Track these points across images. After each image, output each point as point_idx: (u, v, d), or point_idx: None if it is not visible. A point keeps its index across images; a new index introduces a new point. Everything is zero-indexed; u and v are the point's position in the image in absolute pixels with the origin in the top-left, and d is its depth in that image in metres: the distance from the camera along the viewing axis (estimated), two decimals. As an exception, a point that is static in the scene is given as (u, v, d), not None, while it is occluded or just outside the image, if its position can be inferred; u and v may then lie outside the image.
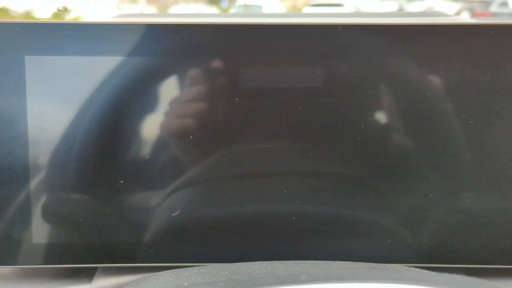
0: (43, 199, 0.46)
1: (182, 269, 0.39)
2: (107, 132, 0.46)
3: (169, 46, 0.45)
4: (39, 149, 0.46)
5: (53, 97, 0.45)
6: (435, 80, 0.45)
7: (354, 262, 0.40)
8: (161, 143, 0.46)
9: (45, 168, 0.46)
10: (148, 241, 0.47)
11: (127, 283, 0.44)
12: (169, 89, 0.46)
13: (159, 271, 0.42)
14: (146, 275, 0.40)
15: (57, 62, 0.45)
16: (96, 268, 0.48)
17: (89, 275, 0.47)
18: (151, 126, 0.46)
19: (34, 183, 0.46)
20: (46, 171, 0.46)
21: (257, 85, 0.46)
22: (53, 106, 0.46)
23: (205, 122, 0.46)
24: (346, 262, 0.40)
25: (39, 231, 0.47)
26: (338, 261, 0.39)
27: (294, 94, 0.46)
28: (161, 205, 0.47)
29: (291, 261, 0.38)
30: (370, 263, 0.40)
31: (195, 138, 0.46)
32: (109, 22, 0.45)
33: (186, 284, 0.33)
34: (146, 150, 0.46)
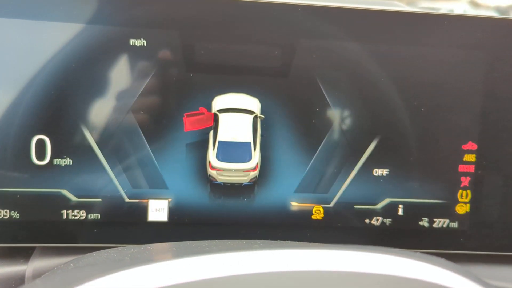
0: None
1: (128, 246, 0.37)
2: (51, 99, 0.43)
3: (125, 16, 0.43)
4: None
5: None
6: (389, 65, 0.46)
7: (307, 243, 0.39)
8: (108, 118, 0.44)
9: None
10: (92, 221, 0.45)
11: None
12: (120, 63, 0.44)
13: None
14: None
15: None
16: (33, 248, 0.45)
17: (25, 256, 0.44)
18: (100, 99, 0.44)
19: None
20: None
21: (213, 61, 0.45)
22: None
23: (157, 101, 0.45)
24: (298, 242, 0.39)
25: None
26: (289, 241, 0.38)
27: (250, 73, 0.45)
28: (107, 184, 0.45)
29: (242, 240, 0.37)
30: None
31: (146, 115, 0.44)
32: None
33: (129, 259, 0.31)
34: (91, 121, 0.44)
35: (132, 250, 0.35)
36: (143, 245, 0.38)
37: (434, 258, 0.28)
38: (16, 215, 0.44)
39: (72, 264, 0.34)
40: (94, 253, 0.36)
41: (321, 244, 0.36)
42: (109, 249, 0.37)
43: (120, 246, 0.40)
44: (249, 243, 0.37)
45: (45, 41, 0.42)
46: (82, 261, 0.34)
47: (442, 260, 0.29)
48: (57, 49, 0.43)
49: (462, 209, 0.48)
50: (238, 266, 0.23)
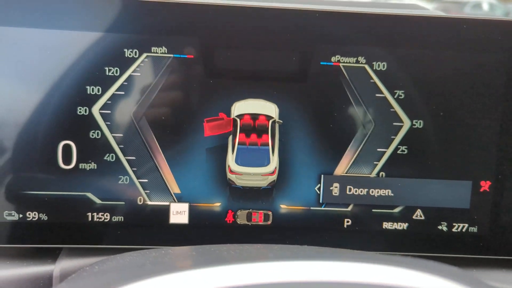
0: (7, 177, 0.45)
1: (150, 249, 0.38)
2: (71, 111, 0.45)
3: (144, 24, 0.44)
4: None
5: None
6: (409, 70, 0.46)
7: (322, 247, 0.40)
8: (130, 124, 0.45)
9: (9, 146, 0.44)
10: (115, 223, 0.46)
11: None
12: (142, 70, 0.45)
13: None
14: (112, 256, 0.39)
15: None
16: (60, 249, 0.47)
17: (53, 256, 0.46)
18: (124, 111, 0.45)
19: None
20: (10, 149, 0.44)
21: (232, 68, 0.45)
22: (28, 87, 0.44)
23: (177, 107, 0.46)
24: (314, 247, 0.40)
25: (1, 209, 0.45)
26: (306, 246, 0.39)
27: (268, 79, 0.46)
28: (130, 187, 0.46)
29: (259, 244, 0.38)
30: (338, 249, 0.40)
31: (167, 121, 0.46)
32: None
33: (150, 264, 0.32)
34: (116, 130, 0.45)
35: (154, 254, 0.37)
36: (164, 248, 0.39)
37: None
38: (44, 217, 0.45)
39: (97, 267, 0.35)
40: (118, 256, 0.38)
41: (339, 249, 0.36)
42: (132, 252, 0.38)
43: (143, 248, 0.41)
44: (267, 248, 0.37)
45: (70, 49, 0.44)
46: (107, 264, 0.35)
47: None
48: (82, 57, 0.44)
49: (481, 213, 0.47)
50: (255, 277, 0.24)
